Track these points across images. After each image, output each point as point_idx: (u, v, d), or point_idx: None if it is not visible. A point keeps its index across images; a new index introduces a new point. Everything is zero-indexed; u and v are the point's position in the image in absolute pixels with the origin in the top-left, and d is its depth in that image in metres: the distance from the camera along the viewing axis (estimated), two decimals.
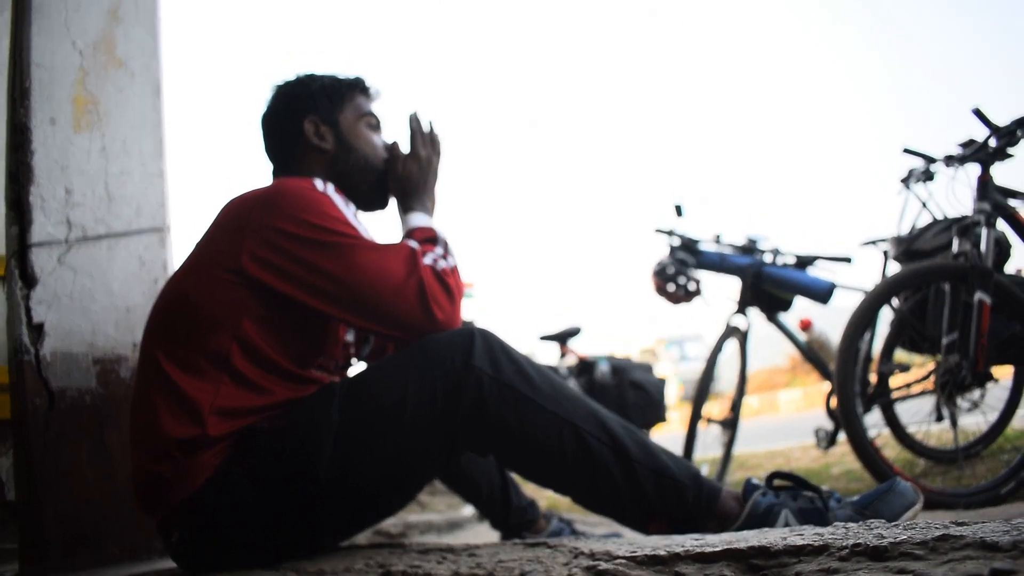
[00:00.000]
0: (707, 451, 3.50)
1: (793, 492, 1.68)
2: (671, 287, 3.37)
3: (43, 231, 1.88)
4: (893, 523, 1.32)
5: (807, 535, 1.25)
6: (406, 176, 1.85)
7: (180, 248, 2.21)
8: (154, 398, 1.57)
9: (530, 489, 3.45)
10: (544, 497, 3.65)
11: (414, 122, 1.90)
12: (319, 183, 1.70)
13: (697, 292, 3.39)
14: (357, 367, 1.88)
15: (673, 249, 3.44)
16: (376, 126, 1.90)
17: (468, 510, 2.65)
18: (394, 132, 1.92)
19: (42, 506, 1.82)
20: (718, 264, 3.43)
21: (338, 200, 1.70)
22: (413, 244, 1.69)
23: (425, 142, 1.89)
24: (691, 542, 1.32)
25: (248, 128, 1.92)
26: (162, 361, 1.58)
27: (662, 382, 2.56)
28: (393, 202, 1.89)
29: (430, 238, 1.77)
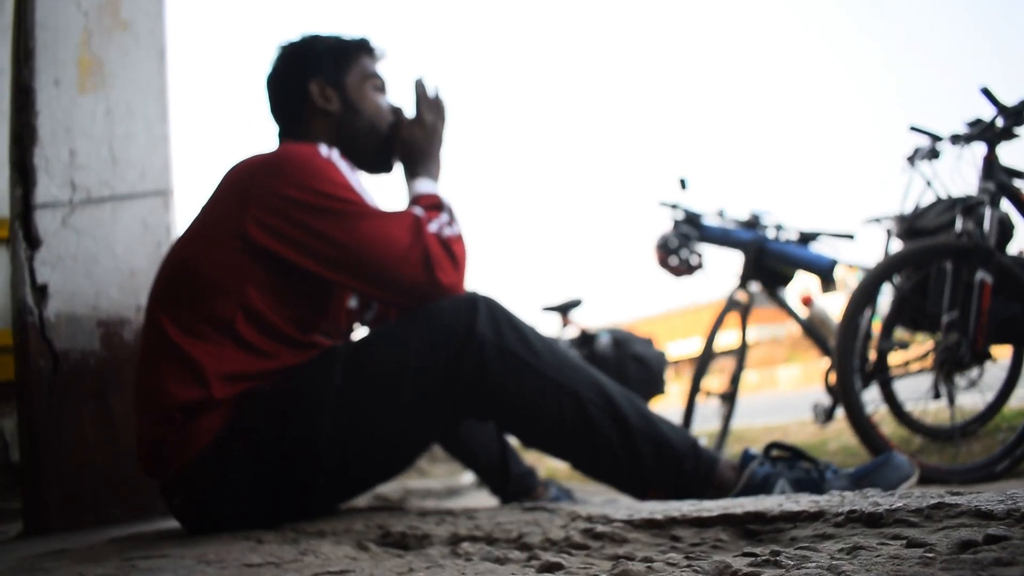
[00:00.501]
0: (706, 424, 3.52)
1: (790, 462, 1.70)
2: (673, 260, 3.37)
3: (47, 193, 1.89)
4: (888, 492, 1.33)
5: (803, 502, 1.26)
6: (411, 142, 1.85)
7: (184, 212, 2.21)
8: (158, 362, 1.59)
9: (530, 457, 3.48)
10: (544, 466, 3.68)
11: (419, 88, 1.89)
12: (324, 149, 1.70)
13: (699, 266, 3.40)
14: (360, 332, 1.89)
15: (676, 223, 3.44)
16: (381, 88, 1.89)
17: (467, 477, 2.68)
18: (399, 96, 1.91)
19: (45, 467, 1.84)
20: (721, 238, 3.43)
21: (343, 166, 1.69)
22: (418, 211, 1.69)
23: (431, 108, 1.88)
24: (688, 507, 1.33)
25: (251, 95, 1.91)
26: (166, 326, 1.59)
27: (662, 355, 2.58)
28: (398, 167, 1.89)
29: (435, 205, 1.77)
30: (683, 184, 3.51)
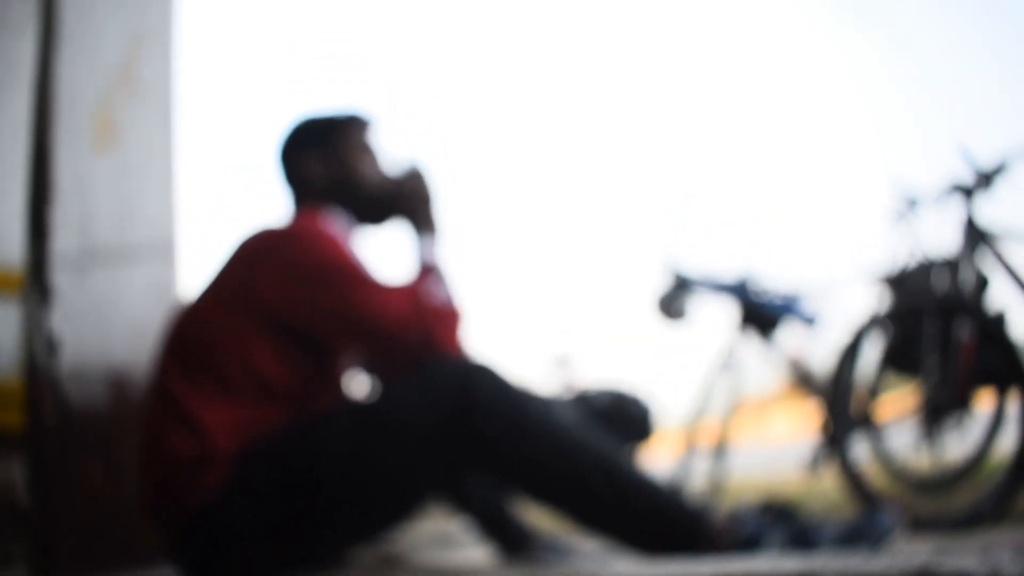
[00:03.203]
0: (698, 476, 3.56)
1: (781, 518, 1.75)
2: (668, 311, 3.47)
3: (62, 248, 1.93)
4: (877, 550, 1.38)
5: (794, 562, 1.31)
6: (406, 207, 1.92)
7: (192, 269, 2.28)
8: (163, 419, 1.66)
9: (527, 508, 3.49)
10: (541, 519, 3.69)
11: (410, 160, 1.97)
12: (329, 222, 1.81)
13: (692, 316, 3.50)
14: (360, 389, 1.95)
15: (670, 276, 3.53)
16: (374, 153, 1.97)
17: (462, 526, 2.70)
18: (393, 156, 1.98)
19: (53, 515, 1.87)
20: (713, 290, 3.52)
21: (346, 238, 1.81)
22: (417, 280, 1.77)
23: (424, 175, 1.95)
24: (680, 567, 1.37)
25: (260, 156, 2.00)
26: (172, 384, 1.67)
27: (653, 410, 2.62)
28: (398, 224, 1.95)
29: (431, 270, 1.83)
30: (678, 220, 3.63)
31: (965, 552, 1.26)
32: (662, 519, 1.68)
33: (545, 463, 1.65)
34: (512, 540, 2.00)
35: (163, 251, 2.18)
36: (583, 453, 1.67)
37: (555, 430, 1.67)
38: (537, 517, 2.48)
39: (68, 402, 1.92)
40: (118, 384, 2.05)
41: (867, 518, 1.73)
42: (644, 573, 1.34)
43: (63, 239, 1.94)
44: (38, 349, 1.89)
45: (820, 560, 1.31)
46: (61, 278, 1.93)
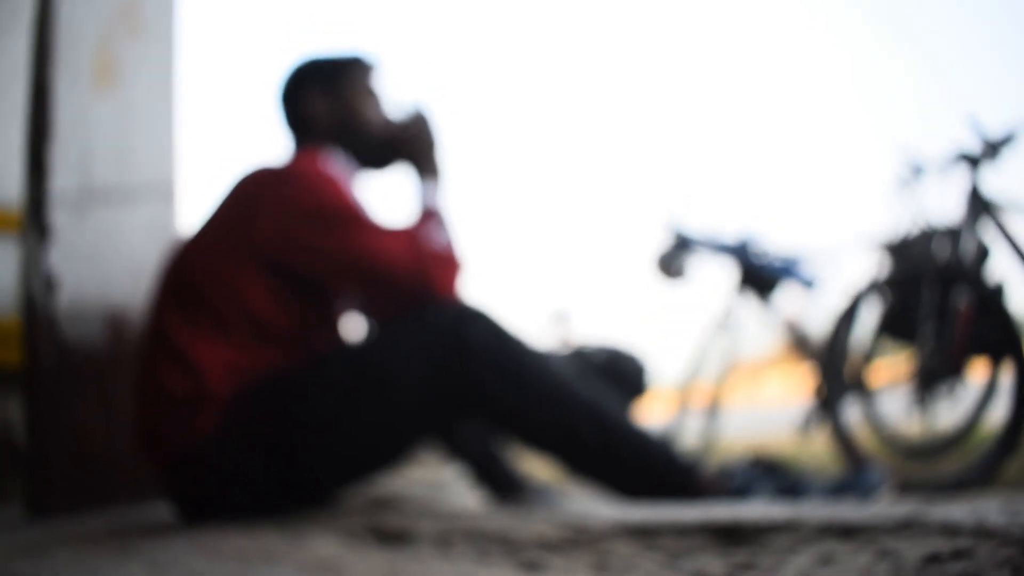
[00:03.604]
0: (691, 435, 3.59)
1: (770, 471, 1.77)
2: (667, 270, 3.48)
3: (60, 187, 1.93)
4: (864, 503, 1.40)
5: (780, 511, 1.32)
6: (409, 152, 1.91)
7: (189, 209, 2.28)
8: (158, 358, 1.67)
9: (518, 454, 3.52)
10: (531, 465, 3.72)
11: (414, 102, 1.96)
12: (329, 162, 1.78)
13: (691, 276, 3.51)
14: (355, 331, 1.95)
15: (671, 235, 3.53)
16: (378, 97, 1.96)
17: (453, 471, 2.71)
18: (396, 102, 1.97)
19: (49, 452, 1.89)
20: (713, 250, 3.53)
21: (346, 179, 1.79)
22: (416, 223, 1.76)
23: (427, 119, 1.94)
24: (669, 512, 1.38)
25: (260, 97, 1.98)
26: (168, 323, 1.67)
27: (647, 367, 2.63)
28: (401, 168, 1.94)
29: (432, 214, 1.83)
30: (683, 199, 3.62)
31: (951, 505, 1.27)
32: (652, 469, 1.69)
33: (538, 409, 1.66)
34: (503, 486, 2.02)
35: (162, 191, 2.18)
36: (576, 400, 1.68)
37: (549, 377, 1.68)
38: (531, 466, 2.51)
39: (65, 340, 1.93)
40: (115, 323, 2.06)
41: (856, 474, 1.75)
42: (632, 518, 1.35)
43: (62, 177, 1.93)
44: (36, 287, 1.89)
45: (807, 509, 1.32)
46: (60, 217, 1.92)
